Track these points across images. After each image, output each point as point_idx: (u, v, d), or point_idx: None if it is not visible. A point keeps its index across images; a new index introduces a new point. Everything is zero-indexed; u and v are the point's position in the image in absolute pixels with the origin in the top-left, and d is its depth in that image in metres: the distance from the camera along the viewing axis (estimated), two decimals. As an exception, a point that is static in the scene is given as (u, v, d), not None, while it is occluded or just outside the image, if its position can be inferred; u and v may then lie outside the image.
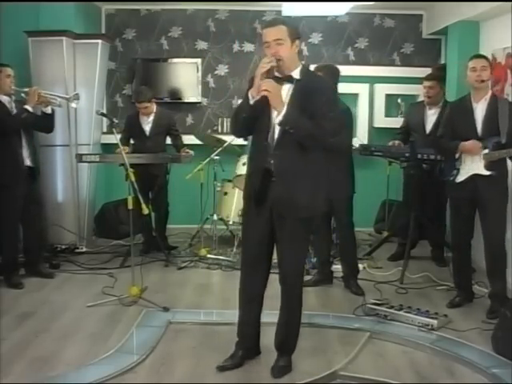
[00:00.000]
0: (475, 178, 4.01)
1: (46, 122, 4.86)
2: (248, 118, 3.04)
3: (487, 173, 3.96)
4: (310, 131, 2.96)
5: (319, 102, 2.97)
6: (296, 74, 3.02)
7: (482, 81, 3.97)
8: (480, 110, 4.03)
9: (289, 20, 3.09)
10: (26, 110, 4.59)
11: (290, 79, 3.00)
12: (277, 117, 2.97)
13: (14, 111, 4.65)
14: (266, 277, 3.24)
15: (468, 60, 4.09)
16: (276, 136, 3.02)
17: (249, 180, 3.21)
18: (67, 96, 5.01)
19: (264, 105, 2.98)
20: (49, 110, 4.81)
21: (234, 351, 3.32)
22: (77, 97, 4.90)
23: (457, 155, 4.10)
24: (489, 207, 4.01)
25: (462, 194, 4.10)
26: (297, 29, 3.03)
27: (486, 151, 3.95)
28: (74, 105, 4.92)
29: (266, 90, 2.90)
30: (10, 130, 4.58)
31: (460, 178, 4.08)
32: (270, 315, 3.37)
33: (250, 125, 3.09)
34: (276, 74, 2.98)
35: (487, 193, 3.98)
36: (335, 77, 4.39)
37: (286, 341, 3.28)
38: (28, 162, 4.72)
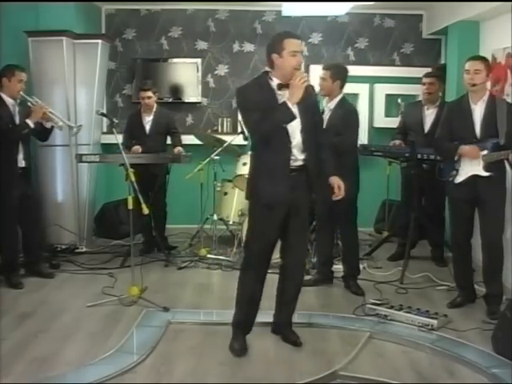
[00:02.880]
0: (474, 178, 4.00)
1: (42, 134, 4.90)
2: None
3: (486, 174, 3.95)
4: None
5: (315, 99, 3.56)
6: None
7: (474, 85, 3.95)
8: (478, 111, 4.01)
9: None
10: (28, 126, 4.59)
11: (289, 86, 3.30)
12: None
13: (17, 115, 4.67)
14: None
15: (465, 60, 4.06)
16: (299, 140, 3.34)
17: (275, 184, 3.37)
18: (72, 125, 5.04)
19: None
20: (48, 125, 4.83)
21: (235, 335, 3.53)
22: (79, 129, 4.97)
23: (456, 157, 4.09)
24: (487, 208, 4.01)
25: (461, 194, 4.09)
26: None
27: (485, 152, 3.94)
28: (72, 135, 5.03)
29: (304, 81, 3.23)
30: (9, 142, 4.59)
31: (459, 179, 4.07)
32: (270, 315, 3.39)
33: None
34: (280, 82, 3.32)
35: (486, 193, 3.98)
36: (342, 76, 4.46)
37: (290, 318, 3.66)
38: (23, 164, 4.74)
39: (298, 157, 3.36)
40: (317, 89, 4.47)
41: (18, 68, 4.70)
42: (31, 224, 4.88)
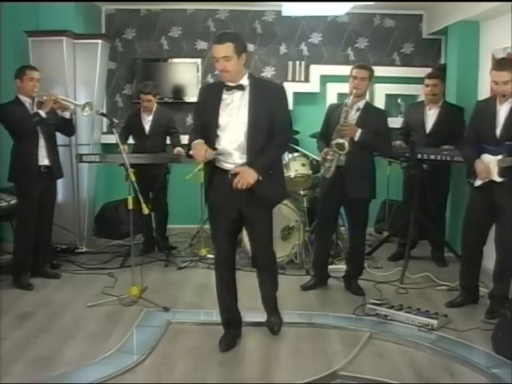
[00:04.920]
0: (490, 183, 3.92)
1: (65, 127, 4.90)
2: None
3: (499, 179, 3.86)
4: None
5: (277, 101, 3.40)
6: (244, 81, 3.37)
7: (504, 95, 3.84)
8: (503, 112, 3.89)
9: (235, 36, 3.35)
10: (38, 115, 4.59)
11: (241, 87, 3.35)
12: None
13: None
14: None
15: (491, 68, 3.89)
16: (243, 141, 3.35)
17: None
18: (80, 104, 4.97)
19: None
20: (67, 115, 4.84)
21: (224, 333, 3.59)
22: (90, 106, 4.87)
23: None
24: (501, 213, 3.93)
25: (477, 198, 4.04)
26: (243, 43, 3.35)
27: (500, 157, 3.83)
28: (85, 113, 4.89)
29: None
30: (21, 132, 4.60)
31: (477, 183, 4.01)
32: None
33: None
34: (228, 83, 3.35)
35: (501, 199, 3.90)
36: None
37: (272, 302, 3.75)
38: (46, 162, 4.73)
39: (236, 160, 3.35)
40: (346, 88, 4.49)
41: (29, 67, 4.77)
42: (46, 225, 4.88)
